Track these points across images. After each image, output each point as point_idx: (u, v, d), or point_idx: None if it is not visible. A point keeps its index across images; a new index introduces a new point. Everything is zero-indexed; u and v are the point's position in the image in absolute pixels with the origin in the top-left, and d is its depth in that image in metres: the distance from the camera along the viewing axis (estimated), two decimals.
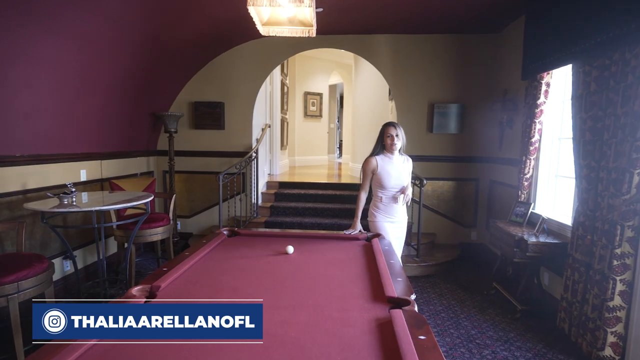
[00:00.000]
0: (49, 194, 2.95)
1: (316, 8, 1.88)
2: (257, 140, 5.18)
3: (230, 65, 4.96)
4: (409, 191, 2.75)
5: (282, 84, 7.11)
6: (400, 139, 2.74)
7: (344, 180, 6.46)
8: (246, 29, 4.39)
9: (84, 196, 3.21)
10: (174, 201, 3.97)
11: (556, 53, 3.02)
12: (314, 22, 1.85)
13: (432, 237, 4.82)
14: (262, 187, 5.38)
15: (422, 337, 1.31)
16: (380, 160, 2.76)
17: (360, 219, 2.83)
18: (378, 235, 2.68)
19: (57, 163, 3.47)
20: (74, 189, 2.94)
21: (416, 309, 1.59)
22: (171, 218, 3.90)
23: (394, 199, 2.77)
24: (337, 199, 5.20)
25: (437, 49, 4.75)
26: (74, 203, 2.85)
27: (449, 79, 4.78)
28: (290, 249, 2.35)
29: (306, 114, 9.06)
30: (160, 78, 4.47)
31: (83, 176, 3.78)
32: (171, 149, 4.75)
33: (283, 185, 5.64)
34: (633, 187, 2.27)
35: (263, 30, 1.92)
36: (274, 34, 1.95)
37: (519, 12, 3.83)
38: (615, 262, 2.36)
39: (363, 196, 2.87)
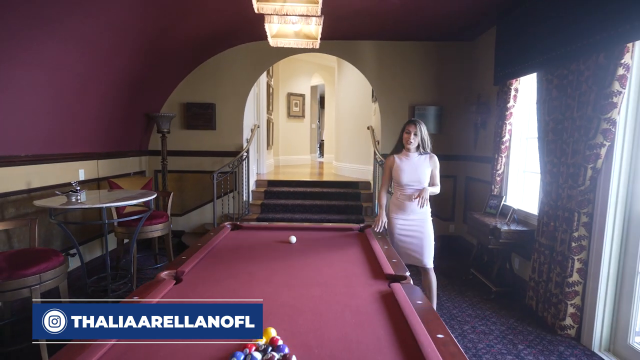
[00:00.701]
0: (57, 192, 3.06)
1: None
2: (248, 141, 5.37)
3: (222, 68, 5.11)
4: (425, 193, 2.70)
5: (268, 85, 7.31)
6: (418, 138, 2.76)
7: (327, 179, 6.75)
8: (239, 33, 4.58)
9: (85, 194, 3.31)
10: (171, 199, 4.11)
11: (523, 62, 3.40)
12: (319, 36, 2.11)
13: None
14: (252, 186, 5.56)
15: (419, 302, 1.60)
16: (397, 157, 2.84)
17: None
18: (369, 226, 2.96)
19: (58, 163, 3.56)
20: (78, 187, 3.06)
21: (412, 282, 1.88)
22: (169, 215, 4.04)
23: (409, 197, 2.80)
24: (324, 196, 5.46)
25: (418, 54, 5.08)
26: (80, 200, 2.98)
27: (428, 83, 5.13)
28: (293, 239, 2.59)
29: (289, 115, 9.26)
30: (153, 79, 4.57)
31: (81, 175, 3.87)
32: (164, 149, 4.87)
33: (272, 183, 5.85)
34: (587, 180, 2.66)
35: (272, 42, 2.16)
36: (281, 45, 2.19)
37: (491, 23, 4.20)
38: (573, 244, 2.75)
39: (382, 193, 2.98)
